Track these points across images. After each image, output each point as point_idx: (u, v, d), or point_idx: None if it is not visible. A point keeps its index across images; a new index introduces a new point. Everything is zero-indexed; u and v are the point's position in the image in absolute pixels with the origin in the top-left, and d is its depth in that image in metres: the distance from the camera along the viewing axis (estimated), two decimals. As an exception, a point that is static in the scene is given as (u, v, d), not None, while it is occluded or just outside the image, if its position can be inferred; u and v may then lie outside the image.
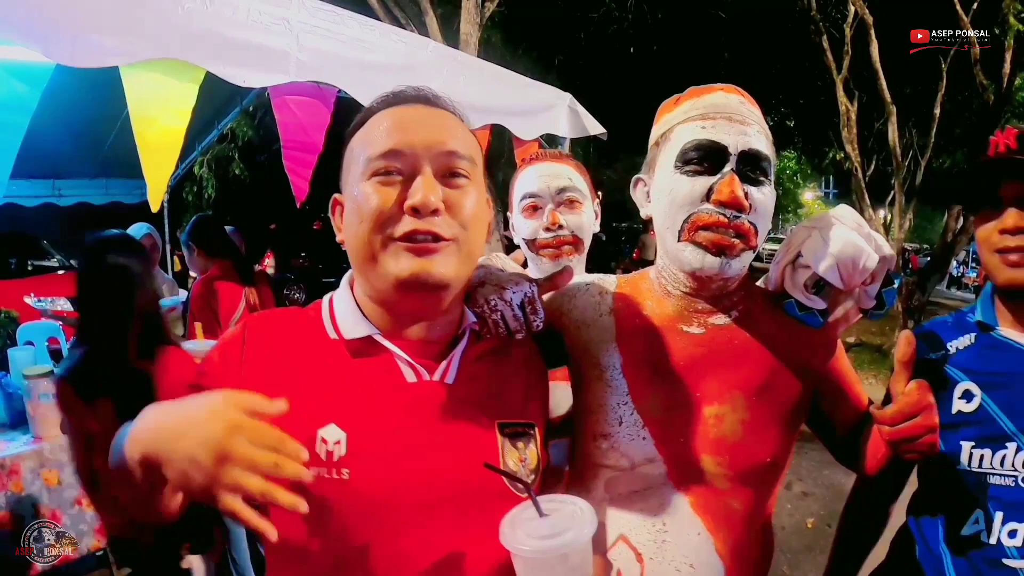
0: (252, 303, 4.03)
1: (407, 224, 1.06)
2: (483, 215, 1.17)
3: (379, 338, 1.13)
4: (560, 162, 1.94)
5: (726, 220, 1.27)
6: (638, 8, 13.23)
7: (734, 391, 1.34)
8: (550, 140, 4.28)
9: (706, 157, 1.29)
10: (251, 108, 7.36)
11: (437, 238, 1.07)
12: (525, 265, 1.96)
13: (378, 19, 6.51)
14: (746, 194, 1.27)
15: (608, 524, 1.35)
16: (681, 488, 1.32)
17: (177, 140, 2.53)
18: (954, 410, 1.50)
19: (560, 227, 1.84)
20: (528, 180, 1.91)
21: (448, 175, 1.11)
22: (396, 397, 1.11)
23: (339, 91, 2.96)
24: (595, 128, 4.65)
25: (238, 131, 11.24)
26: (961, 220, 10.57)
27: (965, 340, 1.57)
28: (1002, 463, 1.44)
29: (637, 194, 1.46)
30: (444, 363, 1.16)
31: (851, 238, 1.31)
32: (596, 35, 13.79)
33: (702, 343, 1.37)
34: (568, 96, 4.53)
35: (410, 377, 1.13)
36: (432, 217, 1.07)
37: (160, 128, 2.52)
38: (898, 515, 1.74)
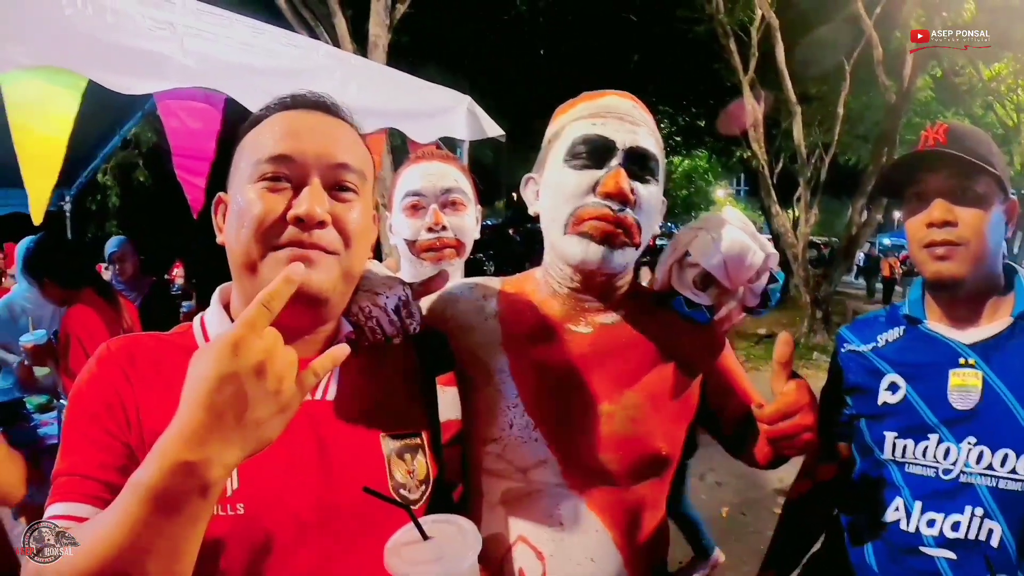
0: (128, 326, 3.67)
1: (290, 234, 1.03)
2: (368, 232, 1.15)
3: None
4: (446, 162, 1.91)
5: (611, 213, 1.29)
6: (548, 10, 13.34)
7: (623, 389, 1.35)
8: (448, 143, 4.23)
9: (594, 151, 1.31)
10: (155, 113, 7.08)
11: (319, 251, 1.05)
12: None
13: (287, 21, 6.37)
14: (632, 189, 1.29)
15: (506, 526, 1.35)
16: (575, 488, 1.33)
17: (58, 150, 2.41)
18: (880, 401, 1.56)
19: (443, 228, 1.81)
20: (412, 178, 1.86)
21: (336, 188, 1.09)
22: None
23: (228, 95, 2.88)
24: (494, 130, 4.58)
25: (142, 137, 10.80)
26: (865, 214, 11.03)
27: (894, 333, 1.63)
28: (924, 454, 1.49)
29: (527, 192, 1.47)
30: (323, 380, 1.12)
31: (738, 236, 1.36)
32: (507, 37, 13.85)
33: (590, 342, 1.38)
34: (467, 98, 4.45)
35: None
36: (316, 229, 1.04)
37: (40, 137, 2.40)
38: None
